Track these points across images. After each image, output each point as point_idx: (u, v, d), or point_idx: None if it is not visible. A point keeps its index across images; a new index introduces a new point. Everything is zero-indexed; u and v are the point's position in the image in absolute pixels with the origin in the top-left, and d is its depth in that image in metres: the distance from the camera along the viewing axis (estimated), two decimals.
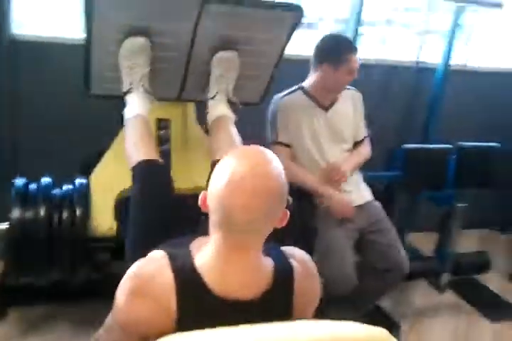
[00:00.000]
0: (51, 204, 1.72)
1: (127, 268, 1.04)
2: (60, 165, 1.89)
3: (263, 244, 0.97)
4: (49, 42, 2.33)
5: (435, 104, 2.69)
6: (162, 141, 2.01)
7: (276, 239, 1.03)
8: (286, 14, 1.77)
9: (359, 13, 2.54)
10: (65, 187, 1.81)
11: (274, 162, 0.95)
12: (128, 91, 1.73)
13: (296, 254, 1.07)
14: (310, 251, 1.36)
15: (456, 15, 2.59)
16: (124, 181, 1.88)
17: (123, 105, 1.96)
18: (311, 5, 2.64)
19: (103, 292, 1.92)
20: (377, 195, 2.15)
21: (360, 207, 2.06)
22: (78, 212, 1.72)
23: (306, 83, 2.10)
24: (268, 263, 1.00)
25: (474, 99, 2.97)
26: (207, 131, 1.85)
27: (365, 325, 0.88)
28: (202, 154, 1.95)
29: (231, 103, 1.80)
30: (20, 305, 2.09)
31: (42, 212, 1.69)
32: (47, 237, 1.69)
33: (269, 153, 0.97)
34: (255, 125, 2.04)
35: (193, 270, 0.95)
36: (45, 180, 1.81)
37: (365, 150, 2.18)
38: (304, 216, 1.92)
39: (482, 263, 2.43)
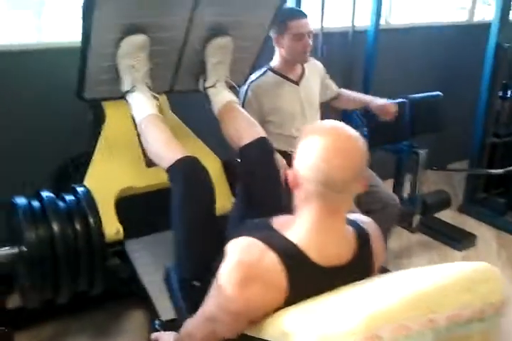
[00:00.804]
0: (61, 218, 1.65)
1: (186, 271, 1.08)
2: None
3: None
4: None
5: (370, 64, 2.84)
6: None
7: None
8: None
9: None
10: (67, 198, 1.73)
11: (351, 128, 1.05)
12: (130, 91, 1.70)
13: (363, 219, 1.18)
14: None
15: None
16: (120, 181, 1.89)
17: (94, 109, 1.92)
18: None
19: (118, 297, 1.94)
20: None
21: None
22: (91, 222, 1.67)
23: (273, 62, 2.16)
24: (349, 229, 1.09)
25: (407, 55, 3.20)
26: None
27: (466, 262, 1.00)
28: (185, 141, 1.93)
29: (230, 87, 1.82)
30: (33, 326, 2.02)
31: (56, 228, 1.61)
32: (66, 253, 1.62)
33: (340, 123, 1.07)
34: None
35: (293, 246, 1.03)
36: (46, 194, 1.72)
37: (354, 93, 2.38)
38: None
39: (444, 201, 2.69)
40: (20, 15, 2.31)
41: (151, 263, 2.07)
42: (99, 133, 1.96)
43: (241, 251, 1.03)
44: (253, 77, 2.15)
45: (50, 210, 1.65)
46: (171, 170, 1.51)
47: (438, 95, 2.60)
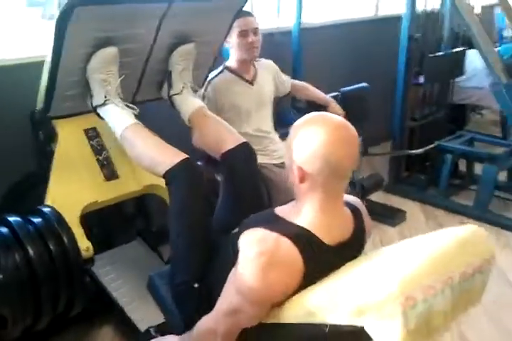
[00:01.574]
0: (35, 241, 1.61)
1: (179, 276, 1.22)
2: None
3: None
4: None
5: (297, 62, 2.99)
6: (98, 150, 2.00)
7: None
8: (233, 1, 1.87)
9: None
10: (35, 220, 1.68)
11: (339, 117, 1.15)
12: (103, 104, 1.69)
13: (353, 199, 1.30)
14: None
15: None
16: (83, 197, 1.89)
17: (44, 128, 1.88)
18: None
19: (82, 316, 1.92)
20: None
21: None
22: (66, 241, 1.65)
23: (228, 62, 2.25)
24: (346, 209, 1.22)
25: (330, 51, 3.40)
26: None
27: (457, 227, 1.16)
28: None
29: (194, 91, 1.87)
30: None
31: (31, 252, 1.57)
32: (46, 276, 1.59)
33: (327, 114, 1.17)
34: None
35: (303, 230, 1.13)
36: (13, 218, 1.67)
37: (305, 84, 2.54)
38: None
39: (379, 183, 2.92)
40: None
41: (117, 278, 2.10)
42: (51, 151, 1.94)
43: (257, 243, 1.10)
44: (211, 75, 2.23)
45: (23, 234, 1.61)
46: (170, 173, 1.52)
47: (365, 86, 2.80)
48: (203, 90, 2.19)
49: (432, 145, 3.17)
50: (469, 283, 1.07)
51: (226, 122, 1.84)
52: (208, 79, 2.22)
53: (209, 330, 1.21)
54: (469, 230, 1.15)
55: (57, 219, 1.68)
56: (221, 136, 1.74)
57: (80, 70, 1.71)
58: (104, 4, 1.58)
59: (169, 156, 1.56)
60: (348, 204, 1.24)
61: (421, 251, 1.08)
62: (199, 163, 2.05)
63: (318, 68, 3.12)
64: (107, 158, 2.00)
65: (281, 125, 2.60)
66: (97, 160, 1.98)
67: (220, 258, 1.40)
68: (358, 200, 1.31)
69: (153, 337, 1.52)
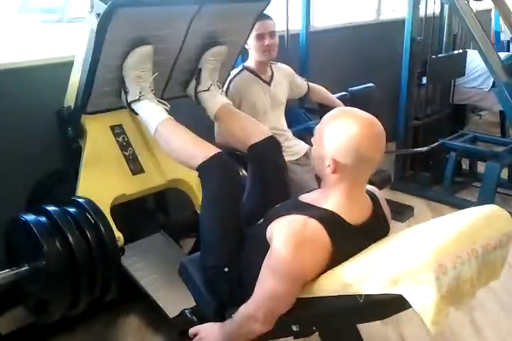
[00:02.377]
0: (75, 229, 1.68)
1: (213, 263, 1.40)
2: None
3: None
4: None
5: (304, 64, 3.09)
6: (124, 146, 2.09)
7: None
8: (257, 4, 1.97)
9: None
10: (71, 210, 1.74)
11: (367, 113, 1.26)
12: (137, 100, 1.78)
13: (370, 187, 1.41)
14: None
15: None
16: (112, 190, 1.97)
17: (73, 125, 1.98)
18: None
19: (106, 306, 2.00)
20: None
21: (306, 154, 2.46)
22: (103, 230, 1.71)
23: (247, 63, 2.37)
24: (365, 194, 1.33)
25: (337, 53, 3.52)
26: None
27: (478, 207, 1.27)
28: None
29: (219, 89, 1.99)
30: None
31: (72, 239, 1.64)
32: (85, 263, 1.66)
33: (356, 109, 1.28)
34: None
35: (329, 212, 1.24)
36: (52, 208, 1.74)
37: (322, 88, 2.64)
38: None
39: (386, 179, 3.02)
40: None
41: (144, 267, 2.18)
42: (79, 148, 2.02)
43: (287, 225, 1.22)
44: (231, 74, 2.33)
45: (63, 223, 1.67)
46: (203, 166, 1.59)
47: (372, 86, 2.92)
48: (224, 88, 2.28)
49: (436, 144, 3.28)
50: (491, 256, 1.18)
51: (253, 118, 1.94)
52: (229, 78, 2.32)
53: (250, 316, 1.29)
54: (490, 208, 1.26)
55: (93, 209, 1.75)
56: (248, 130, 1.84)
57: (117, 67, 1.80)
58: (143, 6, 1.68)
59: (203, 150, 1.63)
60: (367, 191, 1.36)
61: (448, 226, 1.19)
62: None
63: (324, 69, 3.23)
64: (132, 153, 2.09)
65: (292, 124, 2.71)
66: (124, 155, 2.06)
67: (246, 247, 1.49)
68: (375, 188, 1.43)
69: (189, 320, 1.59)
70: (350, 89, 2.78)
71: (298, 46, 3.05)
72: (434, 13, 3.50)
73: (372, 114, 1.28)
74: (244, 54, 2.38)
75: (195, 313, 1.61)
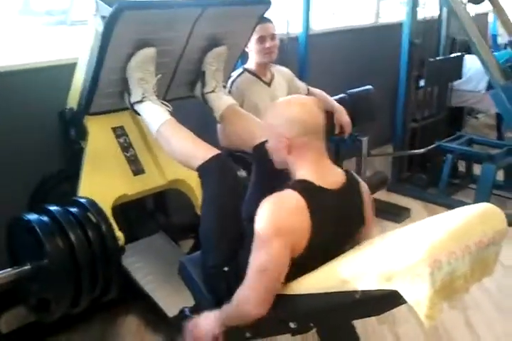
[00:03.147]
0: (76, 228, 1.69)
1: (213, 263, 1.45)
2: None
3: None
4: None
5: (303, 66, 3.12)
6: (125, 147, 2.12)
7: None
8: (258, 7, 2.02)
9: None
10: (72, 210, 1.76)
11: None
12: (140, 101, 1.81)
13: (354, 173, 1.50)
14: None
15: None
16: (114, 190, 2.00)
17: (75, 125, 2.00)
18: None
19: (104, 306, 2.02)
20: None
21: None
22: (104, 229, 1.73)
23: (247, 65, 2.40)
24: (338, 169, 1.44)
25: (336, 56, 3.56)
26: None
27: (469, 206, 1.31)
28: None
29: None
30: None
31: (73, 238, 1.66)
32: (86, 261, 1.68)
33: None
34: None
35: (301, 180, 1.34)
36: (54, 207, 1.77)
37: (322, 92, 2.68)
38: None
39: (384, 180, 3.05)
40: None
41: (143, 267, 2.21)
42: (81, 148, 2.05)
43: (265, 201, 1.31)
44: (233, 76, 2.37)
45: (65, 222, 1.70)
46: (203, 167, 1.62)
47: (370, 89, 2.95)
48: (227, 89, 2.32)
49: (433, 146, 3.31)
50: (484, 253, 1.21)
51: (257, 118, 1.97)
52: (231, 79, 2.36)
53: (243, 297, 1.33)
54: (484, 206, 1.29)
55: (95, 208, 1.78)
56: (253, 130, 1.87)
57: (121, 69, 1.83)
58: (148, 9, 1.72)
59: (203, 151, 1.66)
60: (346, 171, 1.46)
61: (443, 223, 1.22)
62: None
63: (323, 72, 3.27)
64: (133, 154, 2.11)
65: None
66: (125, 156, 2.09)
67: (246, 246, 1.52)
68: (364, 183, 1.52)
69: (189, 318, 1.61)
70: (348, 91, 2.82)
71: (297, 49, 3.08)
72: (432, 16, 3.54)
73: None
74: (243, 57, 2.41)
75: (194, 312, 1.63)
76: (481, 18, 4.71)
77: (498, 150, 3.23)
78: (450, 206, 3.30)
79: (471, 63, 3.63)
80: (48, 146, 2.25)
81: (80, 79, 1.96)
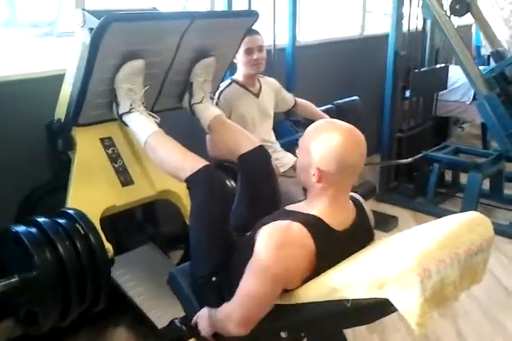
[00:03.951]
0: (65, 240, 1.69)
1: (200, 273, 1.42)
2: None
3: None
4: None
5: (290, 78, 3.15)
6: (113, 158, 2.12)
7: None
8: (246, 19, 2.03)
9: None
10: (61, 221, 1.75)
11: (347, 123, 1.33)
12: (128, 112, 1.81)
13: (354, 195, 1.46)
14: None
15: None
16: (102, 201, 1.99)
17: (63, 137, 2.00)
18: None
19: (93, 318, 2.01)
20: None
21: (293, 166, 2.51)
22: (93, 240, 1.72)
23: (235, 76, 2.42)
24: (349, 201, 1.39)
25: (322, 67, 3.58)
26: None
27: (457, 214, 1.32)
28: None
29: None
30: None
31: (62, 250, 1.65)
32: (75, 273, 1.67)
33: (336, 120, 1.34)
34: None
35: (313, 217, 1.29)
36: (42, 219, 1.75)
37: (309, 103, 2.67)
38: None
39: (372, 190, 3.07)
40: None
41: (132, 279, 2.19)
42: (69, 159, 2.04)
43: (271, 229, 1.26)
44: (221, 87, 2.38)
45: (53, 233, 1.68)
46: (192, 178, 1.61)
47: (357, 99, 2.99)
48: (215, 101, 2.33)
49: (420, 155, 3.35)
50: (473, 260, 1.22)
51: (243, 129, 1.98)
52: (219, 90, 2.37)
53: (226, 315, 1.34)
54: (471, 215, 1.31)
55: (83, 220, 1.77)
56: (239, 140, 1.88)
57: (109, 80, 1.83)
58: (136, 21, 1.72)
59: (191, 163, 1.65)
60: (351, 198, 1.41)
61: (431, 231, 1.23)
62: None
63: (310, 83, 3.29)
64: (122, 165, 2.11)
65: (280, 136, 2.76)
66: (113, 167, 2.08)
67: (235, 257, 1.52)
68: (359, 196, 1.48)
69: (178, 329, 1.61)
70: (335, 102, 2.85)
71: (284, 60, 3.11)
72: (416, 28, 3.60)
73: (357, 127, 1.34)
74: (231, 68, 2.43)
75: (184, 323, 1.63)
76: (465, 30, 4.80)
77: (484, 159, 3.28)
78: (438, 215, 3.31)
79: (461, 74, 3.69)
80: (36, 158, 2.23)
81: (67, 90, 1.95)
